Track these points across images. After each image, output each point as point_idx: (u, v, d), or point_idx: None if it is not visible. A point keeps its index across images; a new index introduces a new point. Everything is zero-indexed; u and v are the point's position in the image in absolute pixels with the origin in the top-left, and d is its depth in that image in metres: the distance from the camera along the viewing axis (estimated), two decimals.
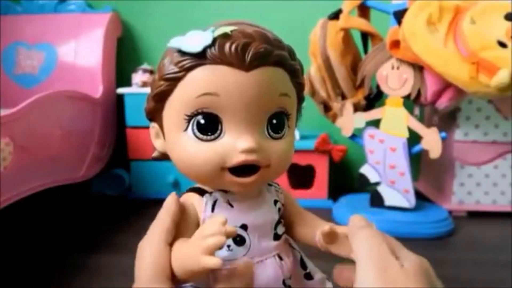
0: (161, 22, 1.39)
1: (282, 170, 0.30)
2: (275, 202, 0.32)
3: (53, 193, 1.00)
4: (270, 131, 0.28)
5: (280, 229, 0.32)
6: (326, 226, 0.30)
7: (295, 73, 0.29)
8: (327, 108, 1.10)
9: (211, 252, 0.23)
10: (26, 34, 1.29)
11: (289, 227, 0.34)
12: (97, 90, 1.21)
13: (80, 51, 1.27)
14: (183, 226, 0.28)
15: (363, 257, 0.24)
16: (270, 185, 0.33)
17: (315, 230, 0.32)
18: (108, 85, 1.26)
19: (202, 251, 0.23)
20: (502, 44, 0.85)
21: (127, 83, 1.30)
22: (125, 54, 1.38)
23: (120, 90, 1.24)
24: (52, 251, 0.86)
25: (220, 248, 0.24)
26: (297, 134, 1.18)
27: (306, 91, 1.09)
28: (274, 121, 0.28)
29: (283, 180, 1.16)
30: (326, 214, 1.08)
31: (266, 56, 0.26)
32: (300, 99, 0.31)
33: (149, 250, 0.26)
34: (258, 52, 0.26)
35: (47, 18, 1.31)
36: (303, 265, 0.33)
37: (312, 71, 1.07)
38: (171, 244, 0.26)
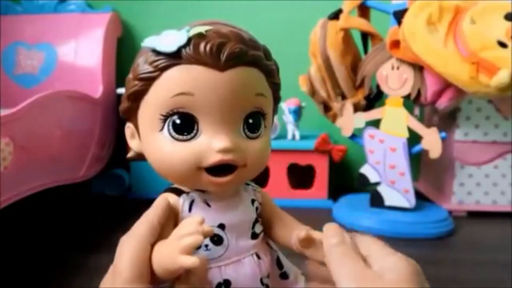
0: (161, 22, 1.39)
1: (258, 169, 0.30)
2: (253, 201, 0.32)
3: (53, 193, 1.00)
4: (246, 130, 0.28)
5: (258, 228, 0.32)
6: (302, 232, 0.30)
7: (270, 73, 0.29)
8: (327, 108, 1.10)
9: (189, 252, 0.23)
10: (26, 34, 1.29)
11: (266, 227, 0.34)
12: (97, 90, 1.21)
13: (80, 51, 1.27)
14: (164, 227, 0.27)
15: (342, 280, 0.24)
16: (247, 184, 0.33)
17: (291, 232, 0.32)
18: (108, 85, 1.26)
19: (179, 251, 0.23)
20: (502, 44, 0.85)
21: None
22: (125, 54, 1.37)
23: (120, 90, 1.24)
24: (52, 251, 0.86)
25: (198, 248, 0.24)
26: (297, 134, 1.18)
27: (306, 91, 1.09)
28: (250, 121, 0.28)
29: (283, 180, 1.16)
30: (326, 214, 1.08)
31: (241, 56, 0.26)
32: (276, 99, 0.32)
33: (129, 247, 0.26)
34: (233, 52, 0.26)
35: (47, 18, 1.31)
36: (279, 265, 0.34)
37: (312, 71, 1.07)
38: (153, 245, 0.26)
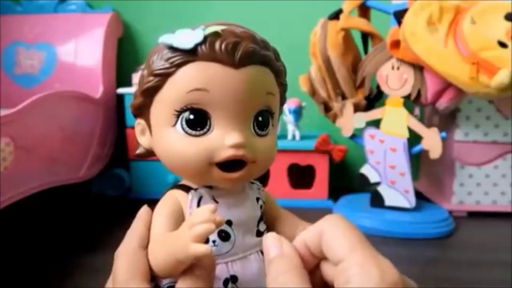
0: (161, 22, 1.39)
1: (266, 166, 0.31)
2: (257, 199, 0.33)
3: (53, 193, 1.00)
4: (256, 128, 0.29)
5: (262, 226, 0.32)
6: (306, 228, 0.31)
7: (279, 73, 0.30)
8: (327, 108, 1.10)
9: (201, 240, 0.23)
10: (26, 34, 1.29)
11: (269, 225, 0.34)
12: (97, 90, 1.21)
13: (80, 51, 1.27)
14: (174, 222, 0.28)
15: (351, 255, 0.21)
16: (252, 182, 0.34)
17: (294, 230, 0.32)
18: (108, 85, 1.26)
19: (191, 239, 0.23)
20: (502, 44, 0.85)
21: (127, 83, 1.30)
22: (125, 54, 1.37)
23: (120, 90, 1.24)
24: (52, 251, 0.86)
25: (206, 243, 0.24)
26: (297, 134, 1.18)
27: (307, 91, 1.09)
28: (260, 119, 0.29)
29: (283, 180, 1.16)
30: (326, 214, 1.08)
31: (255, 55, 0.27)
32: (282, 100, 0.32)
33: (124, 256, 0.26)
34: (247, 51, 0.27)
35: (47, 18, 1.31)
36: None
37: (313, 71, 1.07)
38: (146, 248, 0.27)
